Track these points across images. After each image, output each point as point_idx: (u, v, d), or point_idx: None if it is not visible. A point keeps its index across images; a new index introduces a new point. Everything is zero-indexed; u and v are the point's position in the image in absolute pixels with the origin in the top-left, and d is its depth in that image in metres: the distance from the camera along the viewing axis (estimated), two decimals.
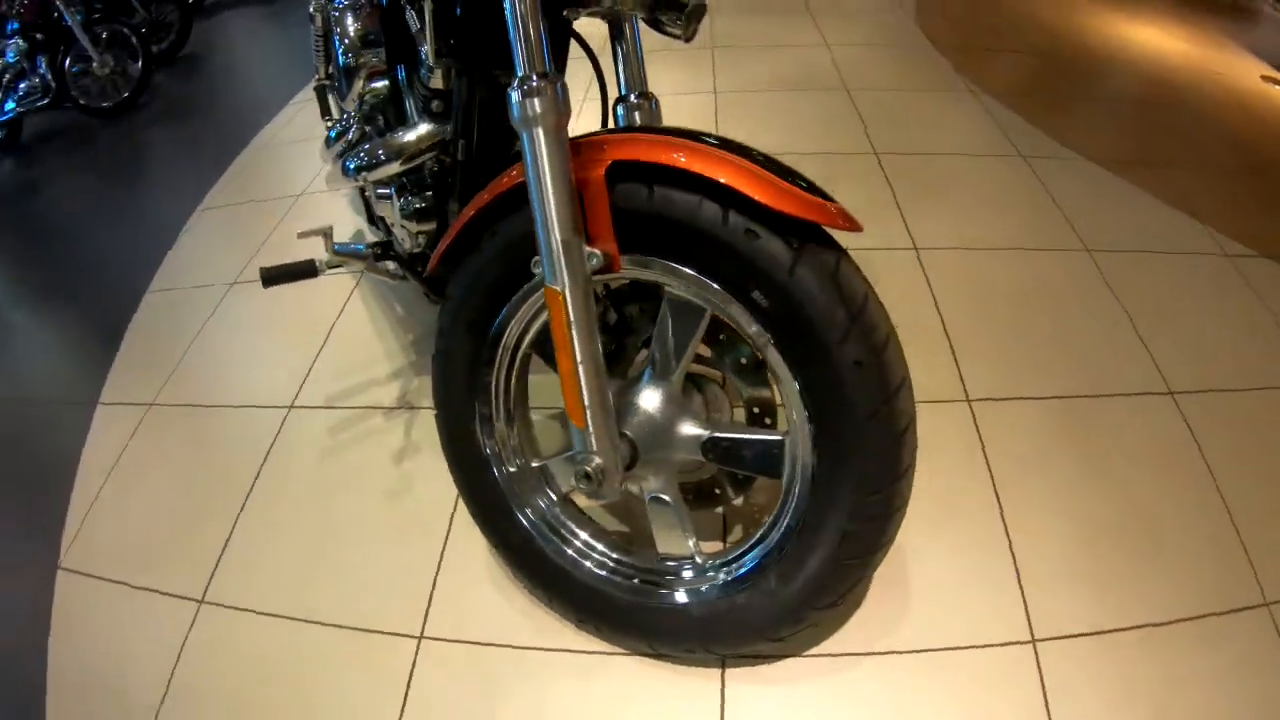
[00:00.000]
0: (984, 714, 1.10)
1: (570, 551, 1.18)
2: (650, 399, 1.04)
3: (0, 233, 3.09)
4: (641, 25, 1.09)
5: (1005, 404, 1.57)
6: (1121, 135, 2.51)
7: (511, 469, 1.21)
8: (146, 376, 2.00)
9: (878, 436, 0.85)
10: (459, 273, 1.09)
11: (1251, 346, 1.70)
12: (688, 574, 1.12)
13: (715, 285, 0.88)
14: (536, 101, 0.83)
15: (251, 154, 3.18)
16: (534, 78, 0.83)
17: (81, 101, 3.89)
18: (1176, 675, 1.14)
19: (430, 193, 1.39)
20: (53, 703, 1.32)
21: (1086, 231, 2.02)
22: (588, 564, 1.17)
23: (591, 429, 0.95)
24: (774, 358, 0.88)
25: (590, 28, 1.16)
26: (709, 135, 0.88)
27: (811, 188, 0.82)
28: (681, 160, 0.82)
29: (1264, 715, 1.10)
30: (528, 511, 1.20)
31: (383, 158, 1.29)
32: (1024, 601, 1.24)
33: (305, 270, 1.53)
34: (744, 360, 1.13)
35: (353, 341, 1.97)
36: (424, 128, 1.26)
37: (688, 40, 1.12)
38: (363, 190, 1.61)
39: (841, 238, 0.89)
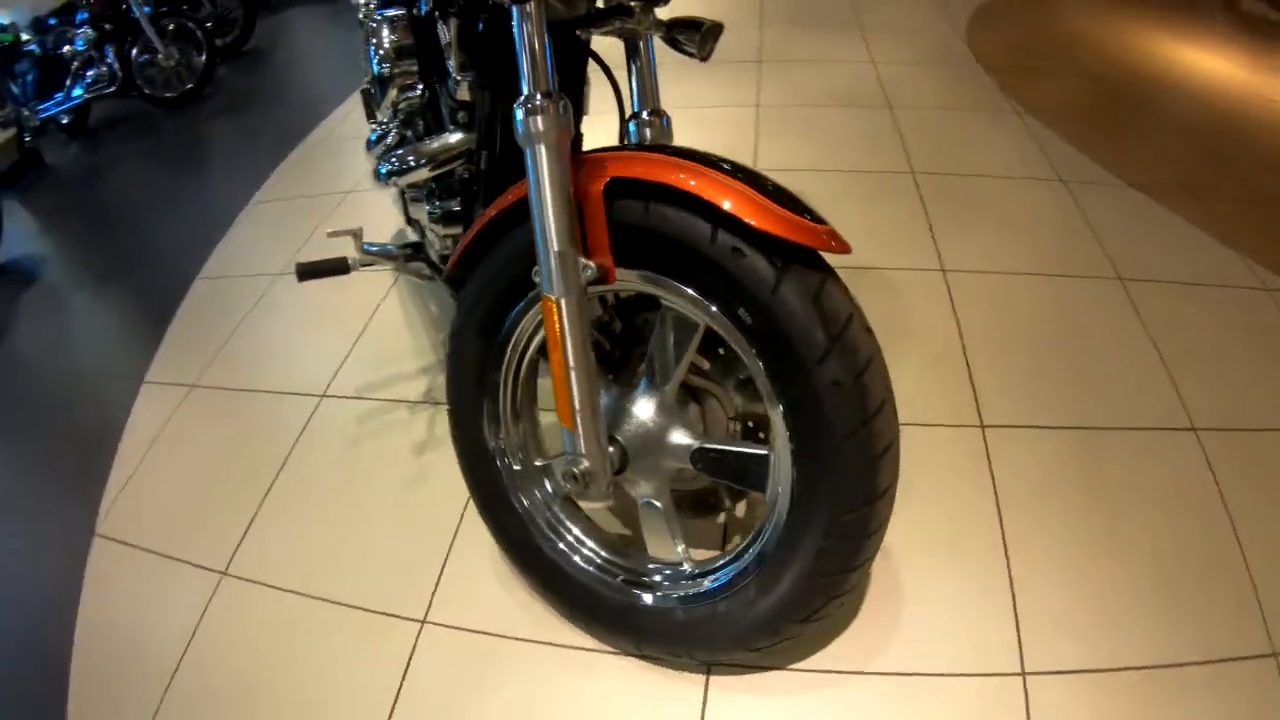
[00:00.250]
0: None
1: (562, 546, 1.22)
2: (644, 407, 1.08)
3: (66, 215, 3.28)
4: (658, 45, 1.12)
5: (1019, 431, 1.56)
6: (1166, 162, 2.45)
7: (516, 466, 1.25)
8: (191, 358, 2.11)
9: (855, 457, 0.87)
10: (473, 276, 1.14)
11: None
12: (673, 579, 1.15)
13: (705, 300, 0.91)
14: (539, 119, 0.87)
15: (306, 149, 3.31)
16: (538, 97, 0.88)
17: (146, 91, 4.09)
18: None
19: (459, 198, 1.45)
20: (78, 660, 1.42)
21: (1121, 259, 1.98)
22: (577, 559, 1.21)
23: (581, 433, 0.98)
24: (759, 374, 0.91)
25: (604, 45, 1.20)
26: (706, 156, 0.90)
27: (801, 209, 0.85)
28: (673, 179, 0.85)
29: None
30: (527, 506, 1.24)
31: (412, 164, 1.35)
32: (1018, 632, 1.22)
33: (338, 267, 1.60)
34: (741, 376, 1.16)
35: (386, 336, 2.05)
36: (451, 137, 1.32)
37: (704, 60, 1.15)
38: (402, 192, 1.68)
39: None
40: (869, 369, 0.86)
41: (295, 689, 1.29)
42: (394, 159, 1.38)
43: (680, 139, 2.99)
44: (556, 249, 0.90)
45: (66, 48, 3.91)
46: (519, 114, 0.88)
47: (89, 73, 3.96)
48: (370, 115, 2.00)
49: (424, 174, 1.36)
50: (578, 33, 1.05)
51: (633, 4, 1.03)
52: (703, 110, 2.92)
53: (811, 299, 0.84)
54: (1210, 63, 3.18)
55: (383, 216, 2.55)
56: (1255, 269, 1.96)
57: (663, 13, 1.08)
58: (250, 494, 1.66)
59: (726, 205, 0.83)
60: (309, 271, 1.59)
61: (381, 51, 1.30)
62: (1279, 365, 1.69)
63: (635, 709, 1.18)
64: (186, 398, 1.98)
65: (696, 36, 1.10)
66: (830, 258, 0.89)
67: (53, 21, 4.06)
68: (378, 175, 1.41)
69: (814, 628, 1.04)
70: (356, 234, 1.45)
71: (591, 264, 0.93)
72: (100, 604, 1.51)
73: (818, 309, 0.84)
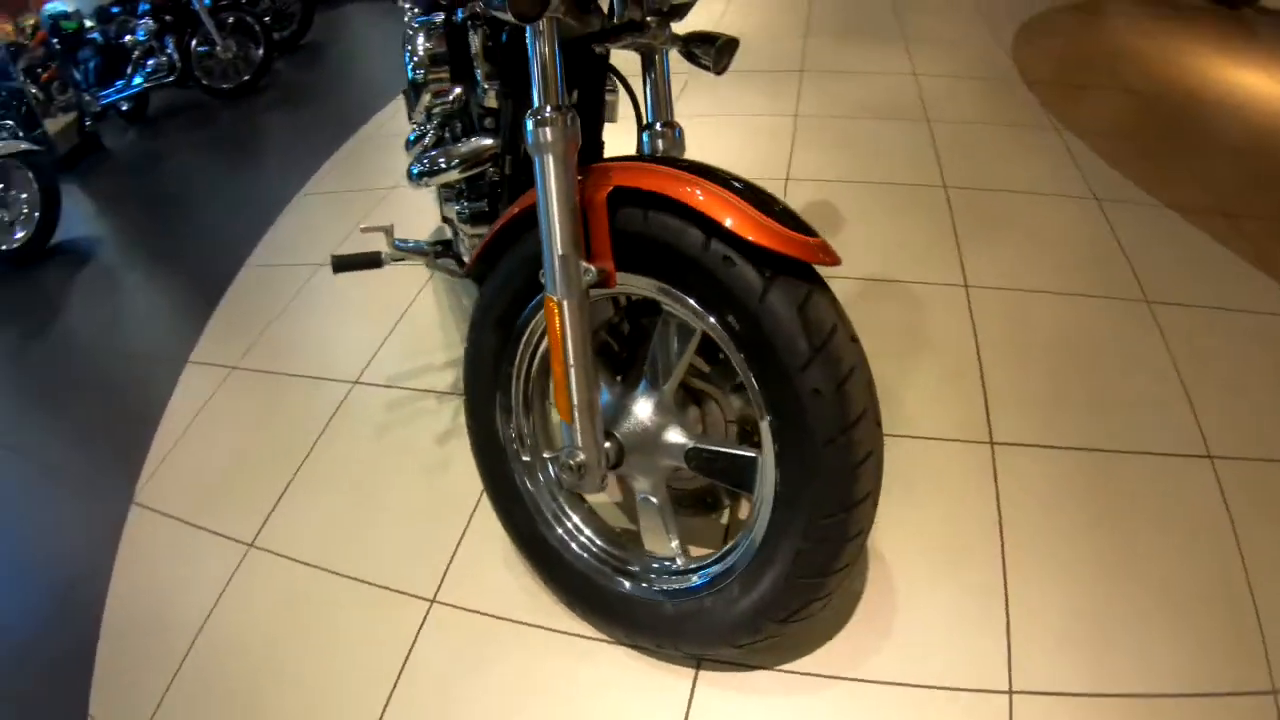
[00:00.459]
0: None
1: (561, 532, 1.27)
2: (643, 406, 1.12)
3: (122, 199, 3.45)
4: (673, 59, 1.17)
5: (1029, 450, 1.56)
6: (1207, 184, 2.39)
7: (525, 457, 1.31)
8: (234, 341, 2.23)
9: (833, 464, 0.90)
10: (492, 273, 1.20)
11: None
12: (665, 572, 1.19)
13: (698, 306, 0.95)
14: (548, 130, 0.92)
15: (357, 143, 3.42)
16: (547, 109, 0.93)
17: (204, 82, 4.26)
18: None
19: (486, 199, 1.51)
20: (108, 617, 1.53)
21: (1150, 281, 1.96)
22: (575, 546, 1.27)
23: (577, 427, 1.03)
24: (746, 379, 0.95)
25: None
26: (707, 169, 0.94)
27: (794, 223, 0.88)
28: (671, 189, 0.90)
29: None
30: (533, 494, 1.30)
31: (442, 165, 1.41)
32: (1009, 650, 1.22)
33: (371, 261, 1.68)
34: (738, 380, 1.19)
35: (420, 329, 2.13)
36: (478, 142, 1.38)
37: (719, 73, 1.18)
38: (438, 191, 1.76)
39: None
40: (851, 378, 0.89)
41: (308, 658, 1.37)
42: (426, 160, 1.45)
43: (717, 146, 3.02)
44: (560, 252, 0.95)
45: (128, 37, 4.09)
46: (529, 124, 0.93)
47: (149, 62, 4.14)
48: (410, 116, 2.08)
49: (453, 175, 1.42)
50: (593, 47, 1.10)
51: (649, 20, 1.07)
52: (741, 119, 2.94)
53: (797, 308, 0.87)
54: (1256, 81, 3.09)
55: (425, 213, 2.64)
56: None
57: (679, 28, 1.12)
58: (280, 472, 1.75)
59: (718, 216, 0.87)
60: (344, 264, 1.68)
61: (416, 58, 1.37)
62: None
63: (624, 697, 1.22)
64: (228, 378, 2.09)
65: (712, 51, 1.14)
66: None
67: (115, 11, 4.25)
68: (410, 175, 1.48)
69: (795, 628, 1.07)
70: (388, 230, 1.52)
71: (593, 268, 0.98)
72: (133, 567, 1.62)
73: (802, 318, 0.87)
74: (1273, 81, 3.10)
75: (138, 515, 1.74)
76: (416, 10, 1.66)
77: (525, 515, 1.30)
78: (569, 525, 1.28)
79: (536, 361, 1.25)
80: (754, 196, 0.90)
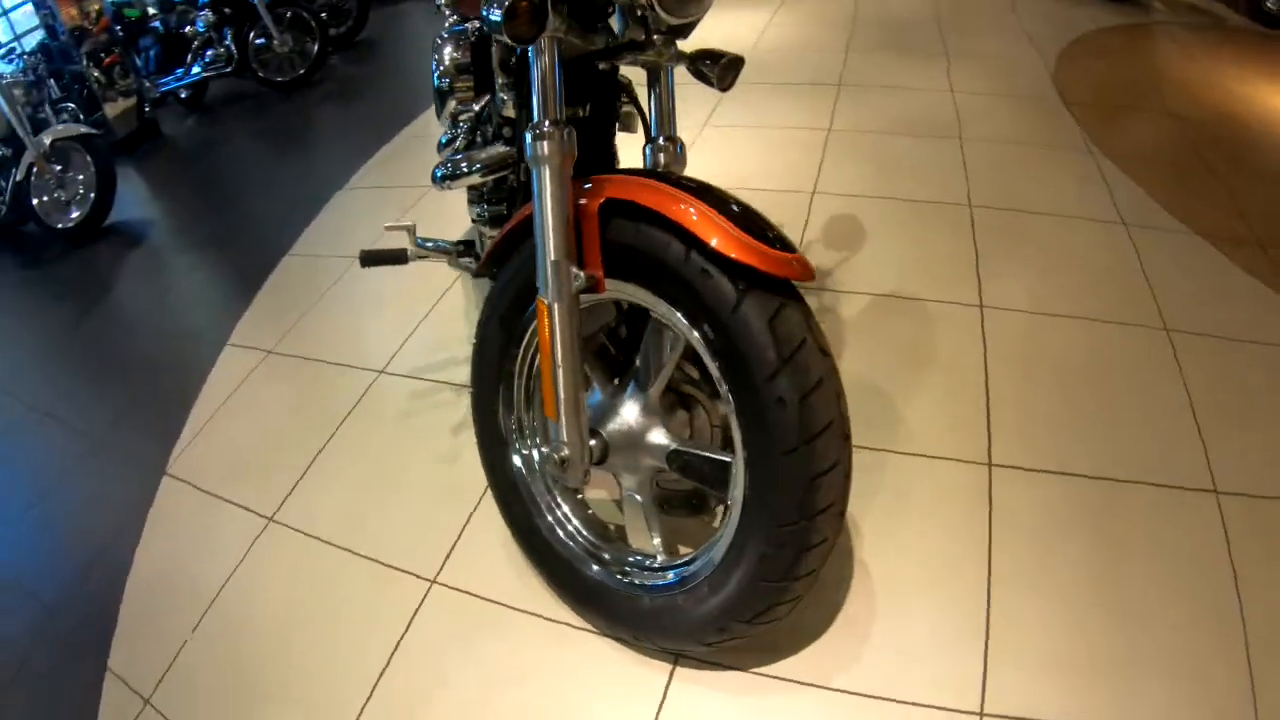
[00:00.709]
0: None
1: (551, 520, 1.33)
2: (630, 408, 1.17)
3: (176, 184, 3.61)
4: (678, 75, 1.21)
5: (1027, 474, 1.55)
6: (1242, 212, 2.34)
7: (524, 449, 1.37)
8: (271, 327, 2.35)
9: (795, 473, 0.94)
10: (500, 274, 1.26)
11: None
12: (644, 568, 1.24)
13: (679, 314, 1.00)
14: (545, 144, 0.98)
15: (403, 141, 3.53)
16: (545, 124, 0.99)
17: (260, 74, 4.41)
18: None
19: (505, 204, 1.58)
20: (132, 581, 1.64)
21: (1170, 310, 1.93)
22: (562, 534, 1.33)
23: (563, 424, 1.09)
24: (720, 387, 0.99)
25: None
26: (698, 185, 0.98)
27: (773, 239, 0.92)
28: (655, 203, 0.95)
29: None
30: (529, 483, 1.36)
31: (464, 170, 1.48)
32: (984, 673, 1.22)
33: (397, 257, 1.76)
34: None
35: (445, 323, 2.22)
36: (497, 149, 1.45)
37: (724, 90, 1.22)
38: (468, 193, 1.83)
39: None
40: (817, 390, 0.92)
41: (313, 626, 1.46)
42: (449, 164, 1.51)
43: (747, 158, 3.05)
44: (552, 258, 1.01)
45: (188, 28, 4.27)
46: (528, 138, 0.99)
47: (208, 53, 4.31)
48: (439, 118, 2.17)
49: (474, 180, 1.49)
50: (597, 64, 1.15)
51: (655, 37, 1.11)
52: (774, 131, 2.97)
53: (768, 321, 0.91)
54: None
55: (463, 213, 2.72)
56: None
57: (685, 45, 1.16)
58: (304, 453, 1.85)
59: (698, 231, 0.91)
60: (371, 259, 1.76)
61: (442, 66, 1.44)
62: None
63: (600, 686, 1.27)
64: (263, 361, 2.20)
65: (716, 68, 1.18)
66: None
67: (177, 1, 4.43)
68: (434, 177, 1.55)
69: (761, 631, 1.10)
70: (410, 229, 1.60)
71: (583, 274, 1.03)
72: (160, 534, 1.74)
73: (772, 330, 0.91)
74: None
75: (168, 486, 1.86)
76: (454, 19, 1.74)
77: (521, 505, 1.36)
78: (558, 515, 1.34)
79: (536, 359, 1.31)
80: (736, 213, 0.94)
